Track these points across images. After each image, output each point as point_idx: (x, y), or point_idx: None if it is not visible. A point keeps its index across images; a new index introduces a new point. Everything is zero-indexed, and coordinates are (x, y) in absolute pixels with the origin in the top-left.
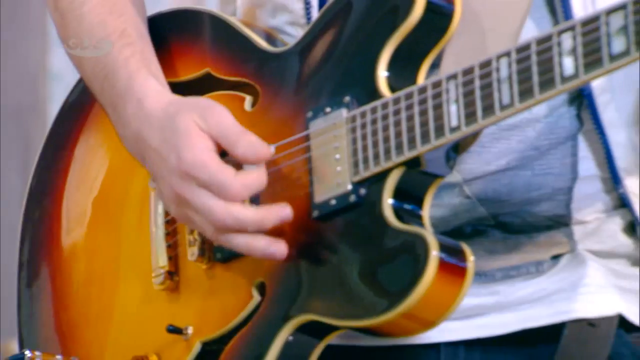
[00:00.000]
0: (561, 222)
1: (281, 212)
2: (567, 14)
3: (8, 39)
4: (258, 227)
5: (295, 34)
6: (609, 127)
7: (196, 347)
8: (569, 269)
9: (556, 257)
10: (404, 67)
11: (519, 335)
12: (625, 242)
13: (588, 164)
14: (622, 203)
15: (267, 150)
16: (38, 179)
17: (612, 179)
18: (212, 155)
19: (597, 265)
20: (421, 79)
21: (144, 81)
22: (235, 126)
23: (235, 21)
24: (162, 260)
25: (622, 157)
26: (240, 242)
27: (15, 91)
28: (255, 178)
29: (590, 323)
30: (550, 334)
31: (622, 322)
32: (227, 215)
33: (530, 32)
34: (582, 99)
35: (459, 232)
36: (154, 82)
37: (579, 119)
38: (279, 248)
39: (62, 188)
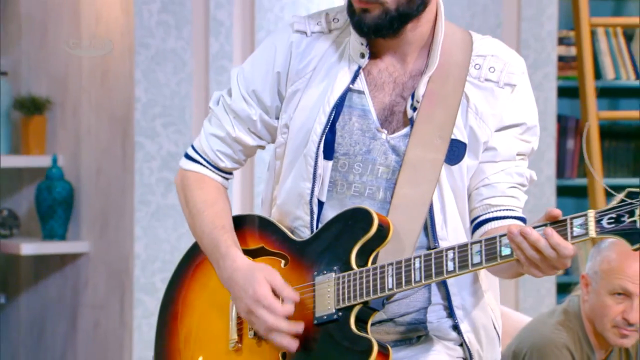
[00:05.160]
0: None
1: (296, 326)
2: (434, 236)
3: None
4: (288, 331)
5: (305, 232)
6: None
7: None
8: None
9: None
10: (363, 254)
11: None
12: None
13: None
14: None
15: (295, 296)
16: (167, 293)
17: None
18: (270, 292)
19: None
20: (370, 262)
21: (235, 253)
22: (282, 283)
23: (275, 221)
24: (233, 335)
25: None
26: (277, 339)
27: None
28: (289, 308)
29: None
30: None
31: None
32: (274, 324)
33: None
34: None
35: None
36: (240, 253)
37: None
38: (293, 345)
39: (184, 296)
